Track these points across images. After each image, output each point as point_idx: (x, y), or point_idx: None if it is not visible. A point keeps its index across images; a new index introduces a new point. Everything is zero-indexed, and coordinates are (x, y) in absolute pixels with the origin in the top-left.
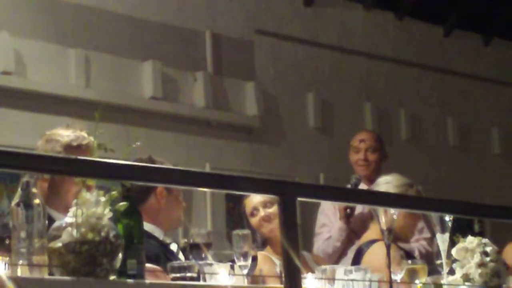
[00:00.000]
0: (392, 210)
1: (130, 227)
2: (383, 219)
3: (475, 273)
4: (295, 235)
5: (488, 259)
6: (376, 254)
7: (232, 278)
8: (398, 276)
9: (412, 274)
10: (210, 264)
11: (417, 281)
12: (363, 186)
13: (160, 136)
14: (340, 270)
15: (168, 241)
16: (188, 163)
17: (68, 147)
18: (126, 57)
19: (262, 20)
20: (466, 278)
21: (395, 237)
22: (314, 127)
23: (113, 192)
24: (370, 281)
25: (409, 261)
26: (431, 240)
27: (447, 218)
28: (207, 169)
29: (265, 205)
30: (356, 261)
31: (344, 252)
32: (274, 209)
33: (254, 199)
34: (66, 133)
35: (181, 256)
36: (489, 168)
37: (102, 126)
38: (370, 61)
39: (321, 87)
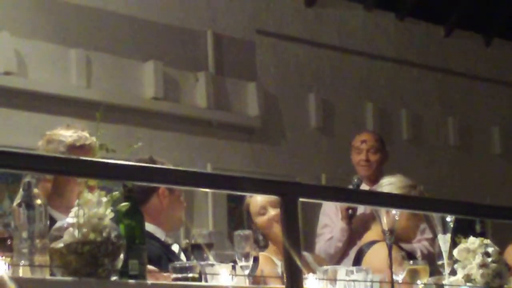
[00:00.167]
0: (393, 211)
1: (132, 228)
2: (384, 220)
3: (477, 273)
4: (296, 236)
5: (489, 259)
6: (376, 255)
7: (234, 279)
8: (399, 277)
9: (413, 275)
10: (212, 265)
11: (418, 282)
12: (364, 186)
13: (162, 137)
14: (341, 271)
15: (169, 241)
16: (189, 163)
17: (71, 147)
18: (127, 57)
19: (263, 20)
20: (468, 278)
21: (397, 238)
22: (315, 127)
23: (115, 193)
24: (372, 281)
25: (411, 262)
26: (433, 240)
27: (449, 218)
28: (209, 169)
29: (275, 204)
30: (357, 261)
31: (346, 252)
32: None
33: (262, 198)
34: (68, 133)
35: (182, 256)
36: (489, 168)
37: (103, 127)
38: (371, 61)
39: (322, 87)
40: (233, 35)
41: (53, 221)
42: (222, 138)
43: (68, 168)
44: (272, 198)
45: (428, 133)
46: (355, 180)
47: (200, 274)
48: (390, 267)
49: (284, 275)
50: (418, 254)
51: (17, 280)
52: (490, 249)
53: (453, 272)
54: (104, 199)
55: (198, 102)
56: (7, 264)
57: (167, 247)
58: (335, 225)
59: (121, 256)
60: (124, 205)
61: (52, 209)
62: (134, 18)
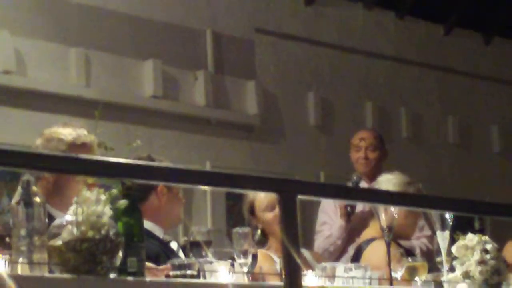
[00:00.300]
0: (392, 208)
1: (130, 225)
2: (383, 217)
3: (475, 270)
4: (295, 233)
5: (488, 256)
6: (375, 252)
7: (232, 276)
8: (398, 274)
9: (412, 272)
10: (210, 262)
11: (417, 279)
12: (363, 184)
13: (161, 135)
14: (340, 268)
15: (168, 239)
16: (188, 161)
17: (72, 145)
18: (127, 56)
19: (263, 19)
20: (466, 275)
21: (396, 235)
22: (315, 125)
23: (113, 191)
24: (370, 278)
25: (409, 259)
26: (432, 237)
27: (447, 215)
28: (208, 167)
29: None
30: (356, 259)
31: (345, 250)
32: None
33: (270, 194)
34: (67, 131)
35: (181, 254)
36: (489, 166)
37: (102, 125)
38: (370, 60)
39: (321, 85)
40: (232, 34)
41: (52, 219)
42: (221, 136)
43: (66, 166)
44: None
45: (428, 132)
46: (354, 178)
47: (198, 271)
48: (389, 264)
49: (283, 272)
50: (417, 251)
51: (15, 277)
52: (488, 246)
53: (452, 269)
54: (103, 197)
55: (197, 101)
56: (5, 261)
57: (165, 244)
58: (334, 223)
59: (120, 253)
60: (123, 202)
61: (51, 207)
62: (133, 17)
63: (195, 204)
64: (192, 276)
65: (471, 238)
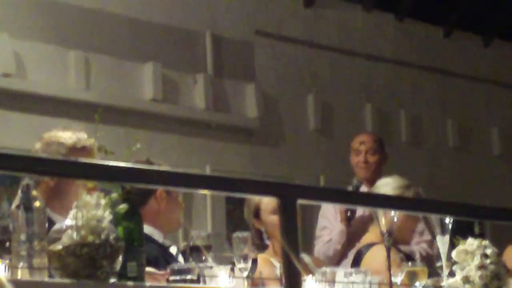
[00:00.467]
0: (392, 213)
1: (130, 230)
2: (383, 222)
3: (475, 275)
4: (295, 238)
5: (488, 261)
6: (375, 257)
7: (232, 281)
8: (398, 279)
9: (412, 277)
10: (210, 267)
11: (417, 284)
12: (363, 188)
13: (160, 138)
14: (340, 273)
15: (168, 243)
16: (188, 165)
17: (72, 149)
18: (126, 59)
19: (262, 21)
20: (466, 280)
21: (394, 240)
22: (314, 128)
23: (113, 195)
24: (370, 283)
25: (409, 264)
26: (432, 242)
27: (447, 220)
28: (208, 171)
29: None
30: (356, 263)
31: (345, 254)
32: None
33: None
34: (67, 135)
35: (181, 258)
36: (489, 169)
37: (102, 128)
38: (370, 63)
39: (321, 88)
40: (232, 36)
41: (52, 223)
42: (221, 139)
43: (66, 170)
44: None
45: (428, 134)
46: (355, 182)
47: (198, 276)
48: (389, 269)
49: (283, 277)
50: (417, 256)
51: (15, 282)
52: (488, 251)
53: (452, 274)
54: (103, 201)
55: (197, 104)
56: (5, 266)
57: (165, 249)
58: (334, 227)
59: (120, 258)
60: (123, 207)
61: (51, 212)
62: (132, 19)
63: (195, 209)
64: (191, 281)
65: (471, 243)
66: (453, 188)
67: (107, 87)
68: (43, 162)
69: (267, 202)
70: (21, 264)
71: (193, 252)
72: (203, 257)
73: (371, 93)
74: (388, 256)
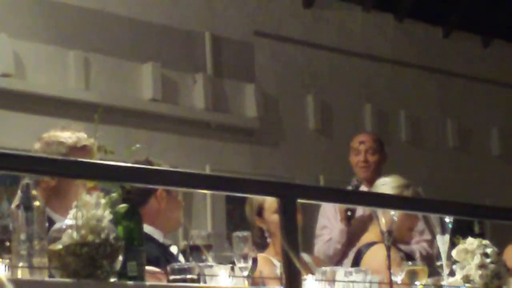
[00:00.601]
0: (392, 212)
1: (130, 229)
2: (383, 221)
3: (475, 274)
4: (295, 237)
5: (488, 260)
6: (374, 256)
7: (232, 280)
8: (398, 278)
9: (412, 276)
10: (210, 266)
11: (417, 283)
12: (363, 188)
13: (160, 138)
14: (340, 272)
15: (168, 243)
16: (188, 165)
17: (73, 148)
18: (126, 59)
19: (262, 21)
20: (467, 279)
21: (394, 239)
22: (314, 128)
23: (113, 194)
24: (371, 282)
25: (409, 263)
26: (432, 241)
27: (447, 219)
28: (207, 170)
29: None
30: (356, 263)
31: (345, 254)
32: None
33: None
34: (67, 135)
35: (181, 258)
36: (489, 169)
37: (101, 128)
38: (369, 63)
39: (320, 88)
40: (231, 37)
41: (52, 223)
42: (220, 139)
43: (66, 170)
44: None
45: (427, 135)
46: (355, 182)
47: (198, 275)
48: (389, 268)
49: (283, 276)
50: (417, 255)
51: (15, 282)
52: (488, 250)
53: (452, 273)
54: (103, 201)
55: (196, 104)
56: (5, 265)
57: (165, 248)
58: (334, 227)
59: (120, 257)
60: (123, 206)
61: (51, 211)
62: (132, 19)
63: (195, 208)
64: (192, 280)
65: (471, 242)
66: (453, 188)
67: (107, 87)
68: (44, 162)
69: (271, 201)
70: (21, 263)
71: (193, 251)
72: (203, 257)
73: (371, 93)
74: (388, 255)
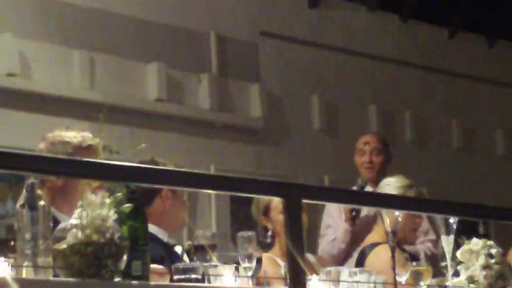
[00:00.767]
0: (396, 212)
1: (135, 229)
2: (387, 221)
3: (480, 275)
4: (300, 237)
5: (493, 261)
6: (378, 257)
7: (237, 280)
8: (402, 278)
9: (417, 276)
10: (215, 266)
11: (422, 283)
12: (368, 188)
13: (165, 138)
14: (344, 272)
15: (172, 243)
16: (192, 164)
17: (79, 148)
18: (131, 58)
19: (267, 21)
20: (471, 280)
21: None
22: (319, 128)
23: (118, 194)
24: (375, 283)
25: (414, 263)
26: (436, 242)
27: (452, 220)
28: (212, 170)
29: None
30: (359, 263)
31: (349, 254)
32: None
33: None
34: (72, 134)
35: (185, 258)
36: (493, 169)
37: (106, 128)
38: (374, 63)
39: (325, 89)
40: (237, 37)
41: (57, 222)
42: (225, 139)
43: (71, 169)
44: None
45: (432, 135)
46: (360, 182)
47: (203, 275)
48: (393, 268)
49: (288, 276)
50: (422, 255)
51: (20, 281)
52: (493, 251)
53: (457, 274)
54: (108, 201)
55: (201, 104)
56: (10, 265)
57: (169, 248)
58: (338, 226)
59: (124, 257)
60: (128, 206)
61: (56, 211)
62: (137, 19)
63: (200, 208)
64: (196, 280)
65: (475, 243)
66: (457, 189)
67: (112, 87)
68: (49, 162)
69: (278, 201)
70: (25, 263)
71: (197, 251)
72: (208, 257)
73: (376, 93)
74: (393, 256)
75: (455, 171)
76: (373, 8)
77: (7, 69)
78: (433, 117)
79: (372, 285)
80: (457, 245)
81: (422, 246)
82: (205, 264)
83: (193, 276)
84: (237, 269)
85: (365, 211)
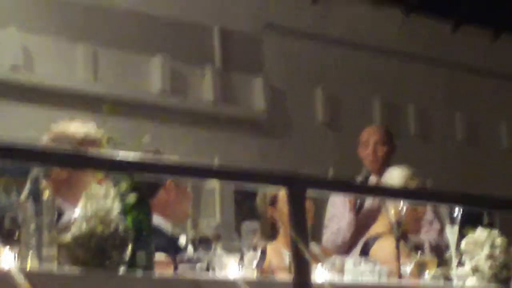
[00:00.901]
0: (401, 203)
1: (139, 220)
2: (392, 212)
3: (484, 265)
4: (304, 227)
5: (497, 251)
6: (382, 248)
7: (241, 270)
8: (406, 269)
9: (421, 267)
10: (219, 256)
11: (426, 273)
12: (372, 179)
13: (169, 131)
14: (349, 262)
15: (176, 234)
16: (196, 157)
17: (83, 140)
18: (135, 51)
19: (271, 15)
20: (476, 270)
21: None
22: (322, 122)
23: (122, 185)
24: (380, 273)
25: (418, 254)
26: (441, 232)
27: (456, 210)
28: (215, 163)
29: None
30: (364, 254)
31: (354, 244)
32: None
33: None
34: (77, 126)
35: (190, 248)
36: (497, 162)
37: (110, 121)
38: (378, 56)
39: (329, 82)
40: (240, 30)
41: (62, 214)
42: (228, 132)
43: (75, 161)
44: None
45: (436, 128)
46: (364, 173)
47: (207, 265)
48: (398, 259)
49: (292, 266)
50: (426, 245)
51: (25, 273)
52: (497, 241)
53: (461, 264)
54: (112, 192)
55: (205, 96)
56: (15, 257)
57: (174, 239)
58: (343, 216)
59: (129, 248)
60: (132, 197)
61: (63, 201)
62: (141, 12)
63: (204, 199)
64: (200, 270)
65: (480, 233)
66: (461, 182)
67: (115, 80)
68: (54, 154)
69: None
70: (30, 254)
71: (202, 242)
72: (212, 247)
73: (379, 86)
74: (397, 246)
75: (459, 165)
76: (376, 1)
77: (11, 62)
78: (437, 110)
79: (376, 275)
80: (461, 236)
81: (427, 236)
82: (210, 254)
83: (198, 266)
84: (241, 259)
85: (370, 201)
